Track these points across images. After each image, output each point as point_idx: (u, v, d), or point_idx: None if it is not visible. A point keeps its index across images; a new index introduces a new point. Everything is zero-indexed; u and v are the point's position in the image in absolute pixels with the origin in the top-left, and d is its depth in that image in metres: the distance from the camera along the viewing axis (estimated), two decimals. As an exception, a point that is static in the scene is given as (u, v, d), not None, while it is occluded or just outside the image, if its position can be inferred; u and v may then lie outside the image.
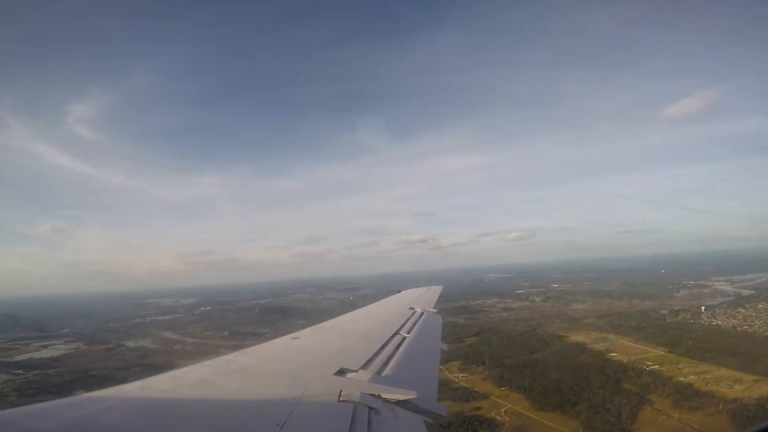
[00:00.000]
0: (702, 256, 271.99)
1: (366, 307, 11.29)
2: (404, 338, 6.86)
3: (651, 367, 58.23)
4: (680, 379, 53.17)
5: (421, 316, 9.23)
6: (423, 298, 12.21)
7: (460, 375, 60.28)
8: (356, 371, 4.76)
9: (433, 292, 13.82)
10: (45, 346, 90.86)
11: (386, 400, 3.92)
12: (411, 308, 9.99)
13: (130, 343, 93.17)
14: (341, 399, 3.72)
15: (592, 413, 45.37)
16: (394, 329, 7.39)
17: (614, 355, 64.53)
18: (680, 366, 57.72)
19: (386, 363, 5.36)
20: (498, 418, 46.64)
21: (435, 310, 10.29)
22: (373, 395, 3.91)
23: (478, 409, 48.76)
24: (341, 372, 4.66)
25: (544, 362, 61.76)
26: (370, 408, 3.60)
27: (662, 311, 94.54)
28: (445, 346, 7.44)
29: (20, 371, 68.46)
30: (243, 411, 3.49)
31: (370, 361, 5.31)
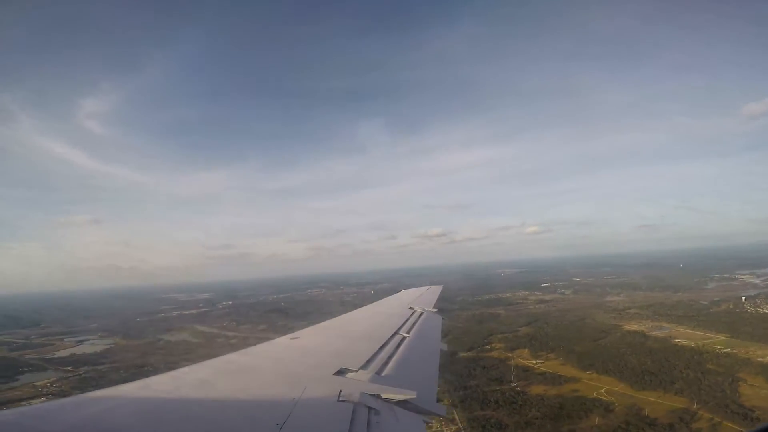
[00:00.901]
0: (713, 251, 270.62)
1: (366, 307, 11.30)
2: (404, 338, 6.87)
3: (723, 350, 59.62)
4: (759, 359, 54.74)
5: (420, 315, 9.23)
6: (423, 298, 12.22)
7: (536, 361, 61.76)
8: (356, 371, 4.77)
9: (433, 291, 13.83)
10: (81, 342, 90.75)
11: (386, 400, 3.93)
12: (411, 308, 9.99)
13: (169, 337, 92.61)
14: (341, 399, 3.73)
15: (695, 390, 46.55)
16: (393, 329, 7.40)
17: (679, 341, 66.32)
18: (751, 349, 59.07)
19: (386, 363, 5.36)
20: (603, 398, 47.83)
21: (435, 310, 10.29)
22: (372, 395, 3.91)
23: (576, 391, 50.07)
24: (341, 372, 4.67)
25: (616, 348, 63.70)
26: (370, 408, 3.61)
27: (702, 302, 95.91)
28: (445, 346, 7.44)
29: (69, 368, 67.22)
30: (243, 411, 3.49)
31: (369, 361, 5.32)
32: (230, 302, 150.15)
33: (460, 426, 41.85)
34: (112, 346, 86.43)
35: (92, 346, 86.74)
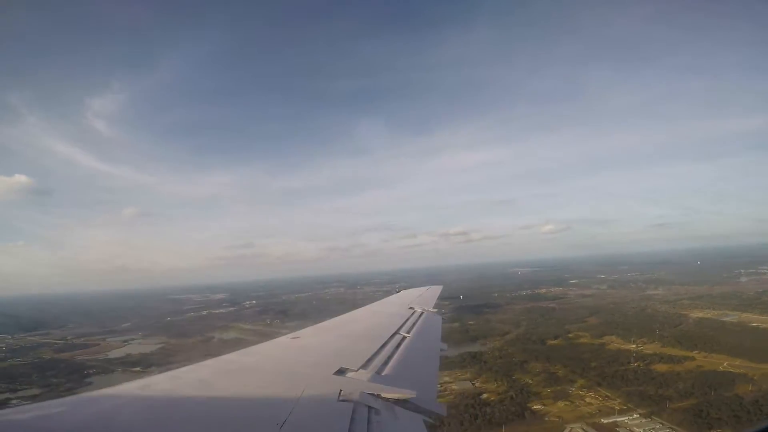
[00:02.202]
0: (723, 250, 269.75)
1: (366, 307, 11.31)
2: (404, 338, 6.87)
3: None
4: None
5: (420, 315, 9.23)
6: (422, 298, 12.23)
7: (635, 345, 64.28)
8: (356, 371, 4.77)
9: (433, 291, 13.85)
10: (126, 342, 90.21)
11: (386, 400, 3.93)
12: (411, 308, 9.99)
13: (220, 335, 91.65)
14: (341, 398, 3.73)
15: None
16: (393, 329, 7.41)
17: (756, 325, 69.02)
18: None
19: (386, 362, 5.37)
20: (732, 370, 50.83)
21: (434, 310, 10.29)
22: (372, 395, 3.92)
23: (700, 366, 53.44)
24: (341, 371, 4.67)
25: (702, 331, 67.25)
26: (370, 407, 3.61)
27: (747, 293, 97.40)
28: (445, 346, 7.44)
29: (138, 368, 65.79)
30: (243, 410, 3.49)
31: (369, 360, 5.32)
32: (254, 301, 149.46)
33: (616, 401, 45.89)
34: (163, 345, 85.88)
35: (141, 345, 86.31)
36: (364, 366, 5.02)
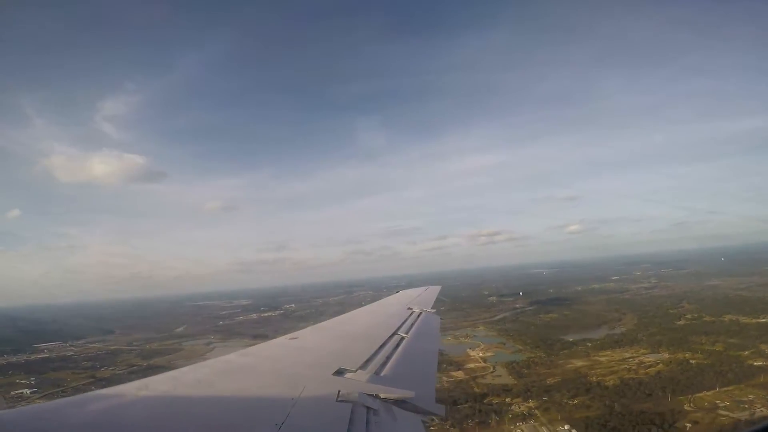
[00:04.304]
0: (739, 249, 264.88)
1: (364, 308, 11.31)
2: (402, 338, 6.88)
3: None
4: None
5: (419, 316, 9.24)
6: (421, 298, 12.22)
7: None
8: (354, 371, 4.77)
9: (431, 292, 13.83)
10: (210, 345, 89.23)
11: (384, 400, 3.94)
12: (409, 308, 10.00)
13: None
14: (339, 399, 3.73)
15: None
16: (392, 329, 7.41)
17: None
18: None
19: (384, 363, 5.37)
20: None
21: (433, 310, 10.30)
22: (371, 395, 3.92)
23: None
24: (339, 372, 4.67)
25: None
26: (369, 408, 3.62)
27: None
28: (444, 346, 7.46)
29: None
30: (241, 411, 3.49)
31: (368, 361, 5.33)
32: (291, 305, 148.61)
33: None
34: (249, 347, 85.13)
35: (226, 348, 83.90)
36: (363, 366, 5.02)
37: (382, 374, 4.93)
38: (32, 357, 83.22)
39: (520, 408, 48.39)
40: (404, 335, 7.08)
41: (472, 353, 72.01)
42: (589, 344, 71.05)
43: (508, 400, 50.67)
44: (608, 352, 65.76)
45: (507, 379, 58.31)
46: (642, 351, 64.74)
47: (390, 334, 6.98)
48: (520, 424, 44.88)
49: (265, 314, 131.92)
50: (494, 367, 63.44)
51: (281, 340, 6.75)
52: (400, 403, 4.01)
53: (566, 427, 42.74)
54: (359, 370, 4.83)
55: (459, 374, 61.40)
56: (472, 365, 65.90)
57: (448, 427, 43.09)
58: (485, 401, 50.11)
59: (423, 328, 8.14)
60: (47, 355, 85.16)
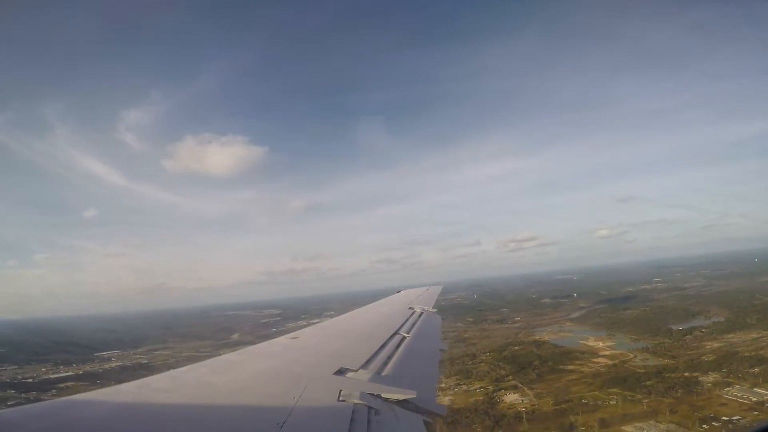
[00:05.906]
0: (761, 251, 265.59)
1: (365, 307, 11.31)
2: (404, 338, 6.86)
3: None
4: None
5: (420, 316, 9.23)
6: (422, 298, 12.21)
7: None
8: (356, 371, 4.75)
9: (433, 292, 13.85)
10: None
11: (386, 400, 3.92)
12: (410, 308, 9.98)
13: None
14: (341, 399, 3.71)
15: None
16: (393, 329, 7.39)
17: None
18: None
19: (386, 363, 5.35)
20: None
21: (434, 310, 10.29)
22: (372, 395, 3.90)
23: None
24: (341, 372, 4.65)
25: None
26: (370, 408, 3.60)
27: None
28: (445, 346, 7.44)
29: None
30: (242, 411, 3.48)
31: (369, 360, 5.31)
32: (332, 312, 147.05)
33: None
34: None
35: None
36: (364, 366, 5.00)
37: (383, 374, 4.91)
38: (106, 366, 79.23)
39: (706, 379, 48.76)
40: (405, 335, 7.06)
41: (590, 344, 71.24)
42: (704, 330, 69.90)
43: (686, 374, 50.34)
44: (731, 335, 64.68)
45: (658, 361, 57.44)
46: (765, 332, 63.34)
47: (391, 334, 6.96)
48: (729, 389, 45.54)
49: (313, 321, 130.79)
50: (633, 354, 62.49)
51: (282, 339, 6.74)
52: (402, 402, 3.99)
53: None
54: (360, 370, 4.81)
55: (603, 360, 61.04)
56: (606, 353, 64.96)
57: (659, 397, 45.17)
58: (666, 376, 50.21)
59: (424, 328, 8.12)
60: (120, 363, 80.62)
